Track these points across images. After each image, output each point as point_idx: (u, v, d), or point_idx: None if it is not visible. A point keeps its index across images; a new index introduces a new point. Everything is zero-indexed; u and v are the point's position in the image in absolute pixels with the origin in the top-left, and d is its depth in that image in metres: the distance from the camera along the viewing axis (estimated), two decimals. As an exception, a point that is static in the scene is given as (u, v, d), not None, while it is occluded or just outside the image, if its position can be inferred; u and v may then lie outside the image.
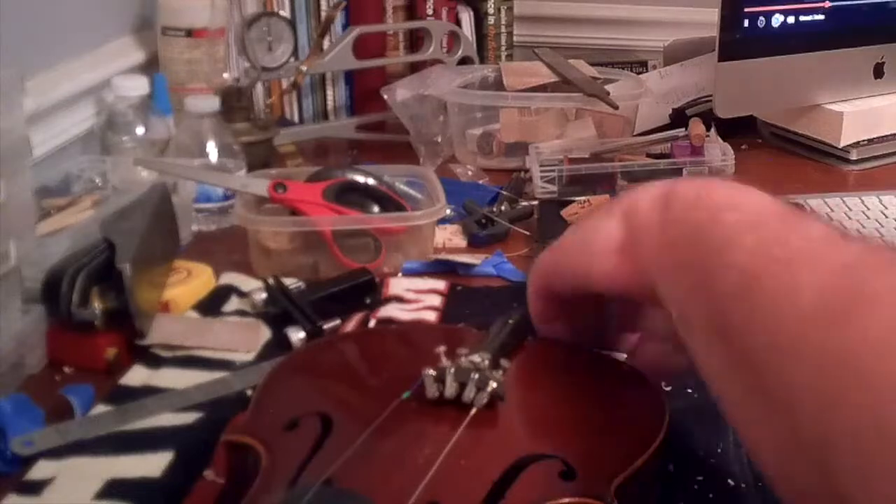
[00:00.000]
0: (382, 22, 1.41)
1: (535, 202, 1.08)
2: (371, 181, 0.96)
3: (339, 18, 1.37)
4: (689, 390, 0.71)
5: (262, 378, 0.63)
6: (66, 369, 0.75)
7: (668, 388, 0.70)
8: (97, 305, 0.75)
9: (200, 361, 0.76)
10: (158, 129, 1.10)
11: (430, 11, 1.43)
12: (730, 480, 0.60)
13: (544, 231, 1.00)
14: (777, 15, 1.23)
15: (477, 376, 0.56)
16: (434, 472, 0.50)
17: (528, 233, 1.01)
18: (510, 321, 0.68)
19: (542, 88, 1.27)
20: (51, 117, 1.03)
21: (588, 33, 1.76)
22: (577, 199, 1.05)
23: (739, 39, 1.21)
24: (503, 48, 1.52)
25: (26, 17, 1.03)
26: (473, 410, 0.55)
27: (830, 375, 0.40)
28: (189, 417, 0.68)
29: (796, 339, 0.42)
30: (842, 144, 1.25)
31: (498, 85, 1.31)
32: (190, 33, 1.20)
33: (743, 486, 0.59)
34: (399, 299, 0.85)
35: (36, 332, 0.74)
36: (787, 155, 1.31)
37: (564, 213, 1.02)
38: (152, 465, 0.62)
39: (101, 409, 0.69)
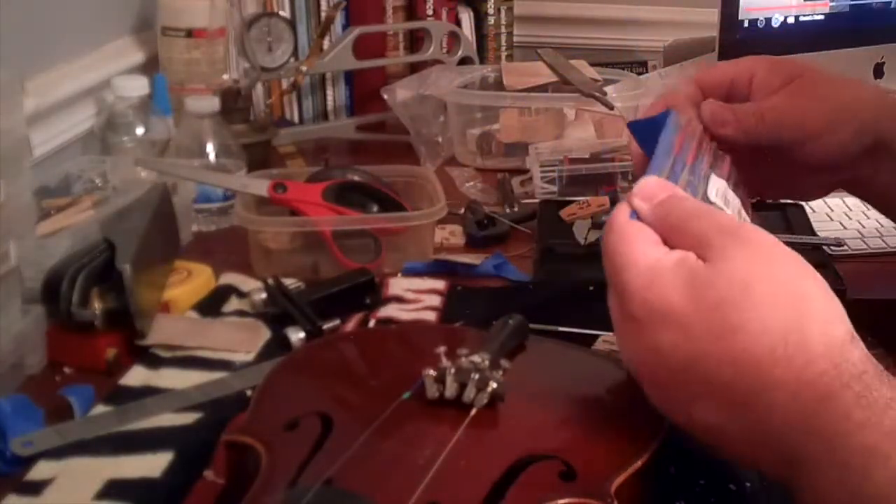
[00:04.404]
0: (382, 22, 1.41)
1: (529, 202, 1.08)
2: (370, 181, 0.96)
3: (339, 18, 1.37)
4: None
5: (262, 378, 0.63)
6: (66, 369, 0.75)
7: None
8: (97, 306, 0.75)
9: (200, 361, 0.76)
10: (158, 129, 1.10)
11: (430, 12, 1.43)
12: (731, 485, 0.59)
13: (544, 231, 1.00)
14: (777, 15, 1.23)
15: (477, 376, 0.56)
16: (434, 473, 0.50)
17: (529, 231, 1.01)
18: (510, 321, 0.68)
19: (542, 88, 1.27)
20: (51, 117, 1.03)
21: (588, 33, 1.76)
22: (576, 199, 1.05)
23: (739, 39, 1.21)
24: (503, 48, 1.52)
25: (26, 17, 1.03)
26: (473, 411, 0.55)
27: None
28: (189, 417, 0.68)
29: None
30: (842, 144, 1.25)
31: (498, 85, 1.31)
32: (190, 33, 1.20)
33: (748, 485, 0.59)
34: (399, 299, 0.85)
35: (36, 333, 0.74)
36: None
37: (563, 213, 1.02)
38: (152, 465, 0.62)
39: (101, 409, 0.69)
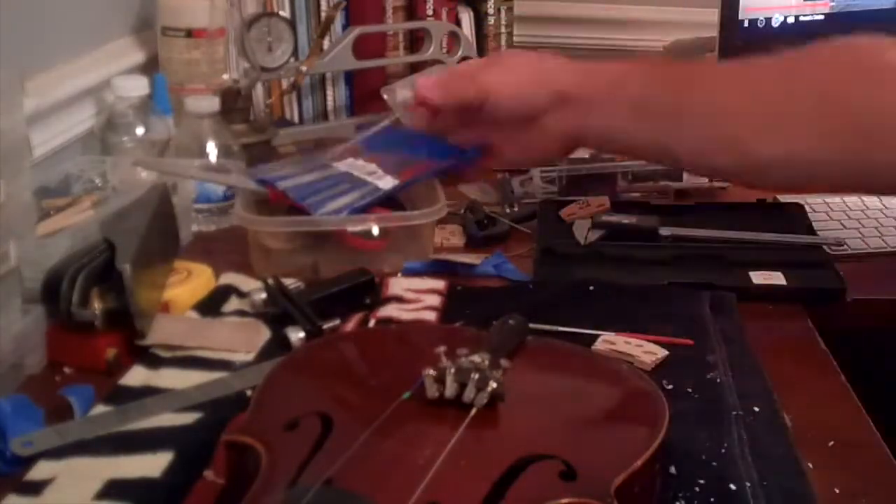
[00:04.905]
0: (382, 22, 1.41)
1: (529, 202, 1.08)
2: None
3: (339, 18, 1.37)
4: (690, 390, 0.71)
5: (262, 378, 0.63)
6: (66, 369, 0.75)
7: (670, 388, 0.70)
8: (97, 306, 0.75)
9: (200, 361, 0.76)
10: (158, 129, 1.10)
11: (430, 12, 1.43)
12: (732, 485, 0.59)
13: (544, 231, 1.00)
14: (777, 15, 1.23)
15: (477, 376, 0.56)
16: (434, 473, 0.50)
17: (529, 231, 1.01)
18: (510, 321, 0.68)
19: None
20: (51, 117, 1.03)
21: (588, 33, 1.76)
22: (576, 199, 1.05)
23: (739, 39, 1.21)
24: (503, 48, 1.52)
25: (26, 17, 1.02)
26: (473, 411, 0.55)
27: None
28: (189, 417, 0.68)
29: None
30: (842, 144, 1.25)
31: (498, 85, 1.30)
32: (190, 33, 1.20)
33: (748, 485, 0.59)
34: (399, 299, 0.85)
35: (36, 333, 0.74)
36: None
37: (563, 213, 1.02)
38: (152, 465, 0.62)
39: (101, 409, 0.69)
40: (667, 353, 0.75)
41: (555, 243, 0.96)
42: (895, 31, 1.34)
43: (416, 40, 1.43)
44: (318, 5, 1.36)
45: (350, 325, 0.81)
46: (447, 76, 0.80)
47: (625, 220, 0.98)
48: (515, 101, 0.75)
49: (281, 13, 1.32)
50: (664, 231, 0.96)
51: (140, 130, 1.09)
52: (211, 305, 0.84)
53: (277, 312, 0.82)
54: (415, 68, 1.39)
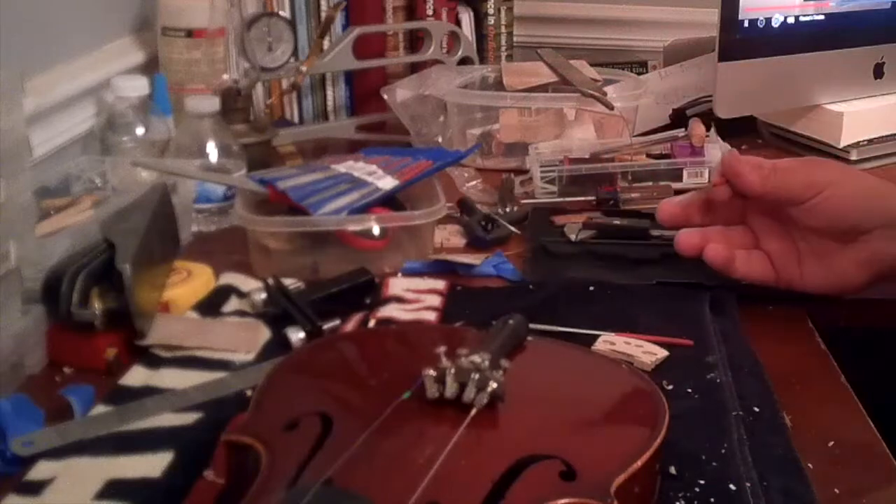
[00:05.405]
0: (382, 22, 1.41)
1: (529, 202, 1.08)
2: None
3: (339, 18, 1.37)
4: (690, 390, 0.71)
5: (262, 378, 0.63)
6: (66, 369, 0.75)
7: (670, 388, 0.70)
8: (97, 305, 0.75)
9: (200, 361, 0.76)
10: (158, 129, 1.10)
11: (430, 12, 1.43)
12: (732, 485, 0.59)
13: (535, 232, 1.00)
14: (777, 15, 1.23)
15: (477, 376, 0.56)
16: (434, 473, 0.50)
17: (519, 232, 1.00)
18: (510, 321, 0.68)
19: (542, 88, 1.27)
20: (51, 117, 1.03)
21: (588, 33, 1.76)
22: (569, 210, 1.05)
23: (739, 39, 1.21)
24: (503, 48, 1.52)
25: (26, 17, 1.03)
26: (473, 411, 0.55)
27: None
28: (189, 417, 0.68)
29: None
30: (842, 144, 1.25)
31: (498, 85, 1.31)
32: (190, 33, 1.20)
33: (748, 485, 0.59)
34: (399, 299, 0.85)
35: (36, 332, 0.74)
36: (788, 155, 1.31)
37: (556, 219, 1.02)
38: (152, 465, 0.62)
39: (101, 409, 0.69)
40: (667, 353, 0.75)
41: (547, 241, 0.96)
42: (895, 30, 1.34)
43: (416, 40, 1.43)
44: (318, 5, 1.36)
45: (350, 325, 0.81)
46: (757, 163, 0.72)
47: (616, 221, 0.98)
48: (848, 207, 0.67)
49: (281, 13, 1.32)
50: (655, 231, 0.95)
51: (140, 130, 1.09)
52: (211, 305, 0.84)
53: (277, 312, 0.82)
54: (415, 68, 1.39)
